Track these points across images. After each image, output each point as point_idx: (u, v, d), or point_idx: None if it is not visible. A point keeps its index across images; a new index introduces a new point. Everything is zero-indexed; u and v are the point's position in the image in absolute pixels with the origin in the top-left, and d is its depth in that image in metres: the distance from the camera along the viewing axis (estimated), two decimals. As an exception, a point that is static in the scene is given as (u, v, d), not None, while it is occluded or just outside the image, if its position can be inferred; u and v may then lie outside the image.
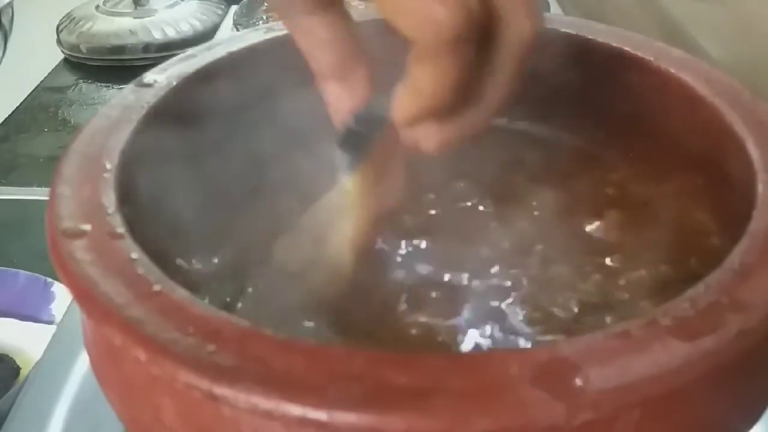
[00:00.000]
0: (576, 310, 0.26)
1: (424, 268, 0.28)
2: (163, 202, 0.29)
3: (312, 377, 0.17)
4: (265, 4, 0.78)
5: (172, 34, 0.85)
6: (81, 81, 0.84)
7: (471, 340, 0.25)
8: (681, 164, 0.30)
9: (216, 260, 0.28)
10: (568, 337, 0.23)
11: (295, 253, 0.28)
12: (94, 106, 0.80)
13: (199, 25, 0.87)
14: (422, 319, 0.26)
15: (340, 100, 0.24)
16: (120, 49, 0.84)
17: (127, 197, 0.24)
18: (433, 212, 0.31)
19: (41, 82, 0.85)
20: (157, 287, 0.20)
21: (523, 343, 0.25)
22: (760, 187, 0.23)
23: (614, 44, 0.31)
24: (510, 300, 0.27)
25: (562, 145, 0.35)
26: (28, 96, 0.83)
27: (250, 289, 0.27)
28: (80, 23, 0.87)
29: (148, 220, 0.26)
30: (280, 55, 0.33)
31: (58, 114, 0.80)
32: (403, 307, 0.26)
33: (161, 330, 0.18)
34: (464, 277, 0.27)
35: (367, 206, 0.26)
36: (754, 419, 0.21)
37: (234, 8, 0.88)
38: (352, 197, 0.25)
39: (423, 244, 0.29)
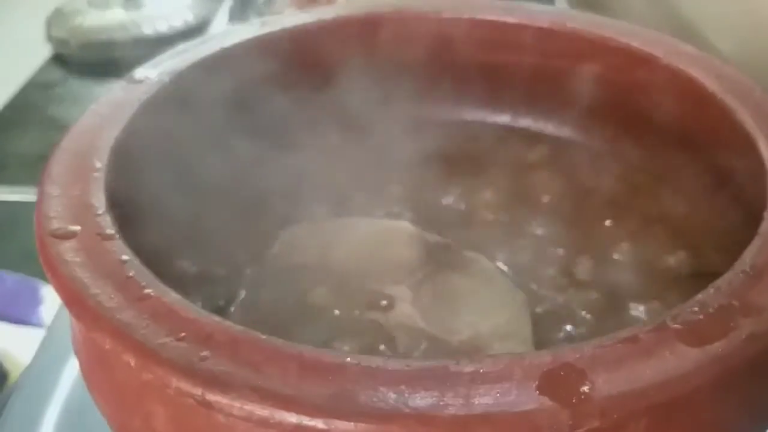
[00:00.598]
0: (582, 309, 0.26)
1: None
2: (154, 202, 0.28)
3: (309, 384, 0.17)
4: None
5: (164, 28, 0.85)
6: (71, 77, 0.84)
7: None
8: (691, 162, 0.30)
9: (209, 262, 0.28)
10: (574, 340, 0.23)
11: (296, 249, 0.28)
12: (84, 103, 0.79)
13: (192, 19, 0.87)
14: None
15: None
16: (111, 44, 0.84)
17: (117, 197, 0.23)
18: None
19: (30, 78, 0.84)
20: (148, 290, 0.19)
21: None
22: (772, 187, 0.23)
23: (622, 39, 0.31)
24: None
25: (569, 143, 0.34)
26: (16, 93, 0.82)
27: (243, 293, 0.27)
28: (70, 18, 0.87)
29: (140, 221, 0.25)
30: (276, 50, 0.33)
31: (47, 111, 0.79)
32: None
33: (152, 334, 0.18)
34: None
35: None
36: (765, 426, 0.20)
37: (228, 2, 0.88)
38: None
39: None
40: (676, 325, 0.18)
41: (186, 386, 0.17)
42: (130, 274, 0.20)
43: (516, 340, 0.24)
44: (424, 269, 0.27)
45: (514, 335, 0.24)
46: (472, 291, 0.26)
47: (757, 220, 0.21)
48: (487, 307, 0.25)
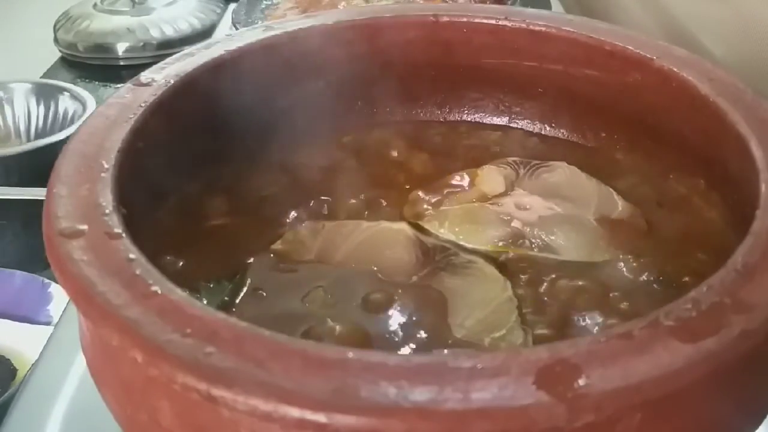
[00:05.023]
0: (580, 308, 0.26)
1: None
2: (160, 201, 0.29)
3: (311, 379, 0.17)
4: (264, 2, 0.78)
5: (170, 32, 0.85)
6: (78, 80, 0.84)
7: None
8: (684, 163, 0.30)
9: (213, 260, 0.28)
10: (570, 338, 0.23)
11: (298, 247, 0.28)
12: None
13: (197, 24, 0.87)
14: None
15: None
16: (117, 47, 0.84)
17: (124, 197, 0.24)
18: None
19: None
20: (154, 288, 0.20)
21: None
22: (763, 187, 0.23)
23: (616, 43, 0.31)
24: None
25: (565, 144, 0.35)
26: (25, 95, 0.82)
27: (246, 289, 0.27)
28: (77, 21, 0.87)
29: (146, 219, 0.26)
30: (278, 54, 0.33)
31: (55, 113, 0.79)
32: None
33: (159, 331, 0.18)
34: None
35: None
36: (757, 421, 0.21)
37: (232, 6, 0.88)
38: None
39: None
40: (669, 322, 0.18)
41: (191, 382, 0.17)
42: (137, 272, 0.20)
43: (503, 330, 0.25)
44: (422, 270, 0.27)
45: (500, 326, 0.25)
46: (465, 291, 0.26)
47: (749, 219, 0.22)
48: (474, 304, 0.25)
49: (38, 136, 0.69)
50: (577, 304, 0.26)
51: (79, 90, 0.71)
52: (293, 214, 0.30)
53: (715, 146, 0.28)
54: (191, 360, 0.17)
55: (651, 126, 0.31)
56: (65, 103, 0.70)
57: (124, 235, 0.22)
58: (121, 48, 0.84)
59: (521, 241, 0.29)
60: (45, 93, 0.71)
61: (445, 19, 0.34)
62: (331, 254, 0.28)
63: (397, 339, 0.24)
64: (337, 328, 0.24)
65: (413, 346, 0.24)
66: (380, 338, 0.24)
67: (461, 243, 0.29)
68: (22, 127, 0.71)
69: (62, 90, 0.71)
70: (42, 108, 0.71)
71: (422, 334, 0.24)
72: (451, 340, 0.24)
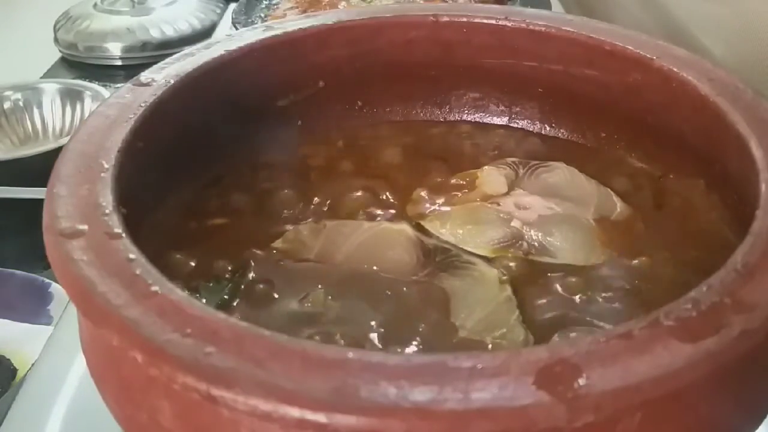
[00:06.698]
0: (578, 309, 0.26)
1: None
2: (160, 201, 0.29)
3: (311, 379, 0.17)
4: (264, 2, 0.78)
5: (170, 32, 0.85)
6: (78, 80, 0.84)
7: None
8: (684, 163, 0.30)
9: (214, 259, 0.28)
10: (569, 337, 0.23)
11: (299, 247, 0.28)
12: (92, 105, 0.79)
13: (197, 24, 0.87)
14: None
15: None
16: (117, 47, 0.84)
17: (124, 197, 0.24)
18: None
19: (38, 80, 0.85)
20: (154, 288, 0.20)
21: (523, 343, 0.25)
22: (763, 187, 0.23)
23: (616, 43, 0.31)
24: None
25: (565, 144, 0.35)
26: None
27: (245, 287, 0.27)
28: (77, 21, 0.87)
29: (146, 219, 0.26)
30: (278, 53, 0.33)
31: (55, 113, 0.79)
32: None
33: (159, 331, 0.18)
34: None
35: None
36: (757, 421, 0.21)
37: (232, 6, 0.88)
38: None
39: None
40: (669, 322, 0.18)
41: (191, 381, 0.17)
42: (137, 272, 0.20)
43: (503, 329, 0.25)
44: (422, 271, 0.27)
45: (501, 325, 0.25)
46: (465, 292, 0.26)
47: (748, 219, 0.22)
48: (475, 304, 0.26)
49: (65, 136, 0.70)
50: (575, 305, 0.26)
51: (103, 90, 0.71)
52: (294, 213, 0.30)
53: (715, 146, 0.28)
54: (191, 360, 0.18)
55: (651, 126, 0.31)
56: (90, 104, 0.70)
57: (124, 235, 0.22)
58: (121, 48, 0.84)
59: (520, 242, 0.29)
60: (70, 94, 0.72)
61: (445, 19, 0.34)
62: (332, 254, 0.28)
63: (399, 339, 0.24)
64: (336, 327, 0.24)
65: (415, 346, 0.24)
66: (381, 338, 0.24)
67: (461, 246, 0.29)
68: (49, 128, 0.72)
69: (86, 91, 0.71)
70: (68, 109, 0.72)
71: (425, 334, 0.24)
72: (455, 339, 0.24)
